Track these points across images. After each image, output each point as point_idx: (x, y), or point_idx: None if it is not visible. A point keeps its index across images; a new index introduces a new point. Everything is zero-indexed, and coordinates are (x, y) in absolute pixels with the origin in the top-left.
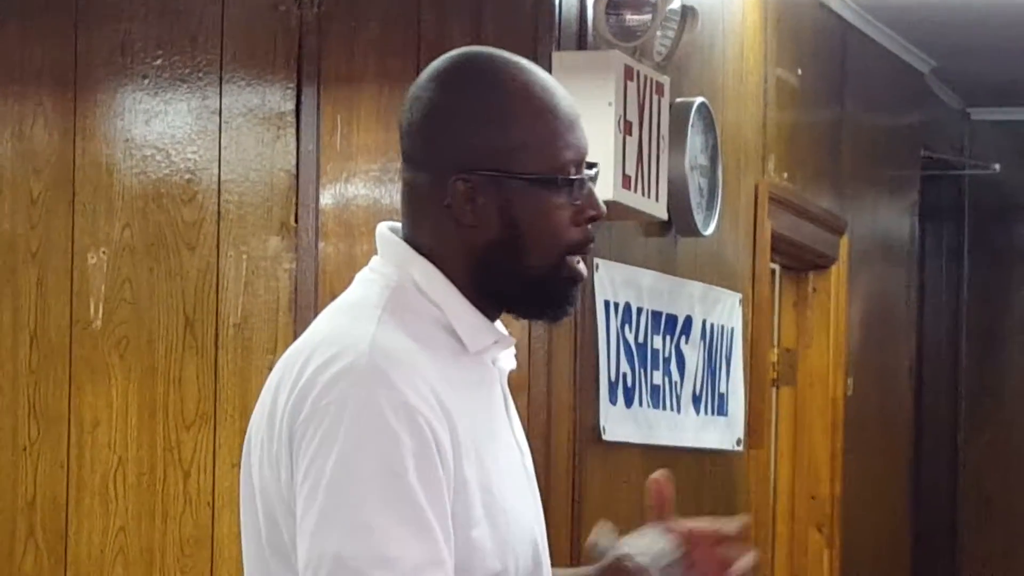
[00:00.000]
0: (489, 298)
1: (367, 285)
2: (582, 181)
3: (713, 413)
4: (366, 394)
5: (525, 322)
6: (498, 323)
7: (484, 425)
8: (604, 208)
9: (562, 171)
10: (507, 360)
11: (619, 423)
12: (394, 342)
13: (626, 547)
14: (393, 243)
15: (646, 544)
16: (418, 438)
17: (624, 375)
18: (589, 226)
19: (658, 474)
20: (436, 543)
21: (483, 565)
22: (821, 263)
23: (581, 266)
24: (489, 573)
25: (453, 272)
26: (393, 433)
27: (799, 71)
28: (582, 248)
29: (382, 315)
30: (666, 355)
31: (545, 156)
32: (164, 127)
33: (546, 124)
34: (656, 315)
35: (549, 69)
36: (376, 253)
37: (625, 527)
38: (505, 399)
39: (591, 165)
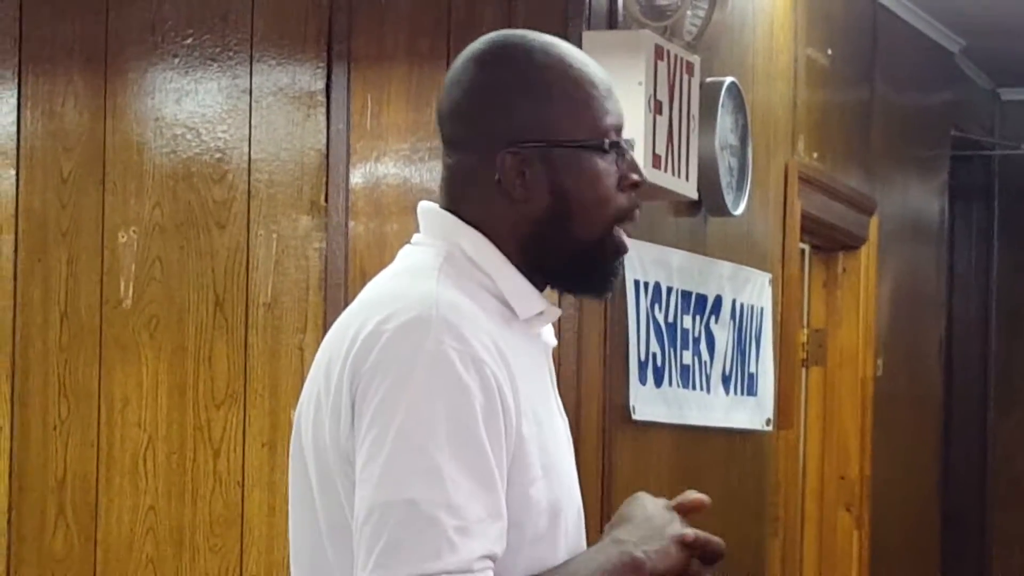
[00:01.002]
0: (537, 271)
1: (417, 253)
2: (624, 147)
3: (743, 393)
4: (436, 345)
5: (554, 303)
6: (546, 296)
7: (536, 390)
8: (646, 175)
9: (605, 137)
10: (549, 335)
11: (649, 403)
12: (458, 298)
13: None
14: (440, 215)
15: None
16: (486, 391)
17: (654, 355)
18: (633, 194)
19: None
20: (499, 497)
21: (535, 521)
22: (851, 243)
23: (625, 239)
24: (539, 530)
25: (501, 244)
26: (464, 385)
27: (829, 51)
28: (629, 215)
29: (439, 275)
30: (696, 335)
31: (587, 123)
32: (194, 106)
33: (585, 93)
34: (686, 295)
35: (579, 48)
36: (417, 231)
37: None
38: (551, 372)
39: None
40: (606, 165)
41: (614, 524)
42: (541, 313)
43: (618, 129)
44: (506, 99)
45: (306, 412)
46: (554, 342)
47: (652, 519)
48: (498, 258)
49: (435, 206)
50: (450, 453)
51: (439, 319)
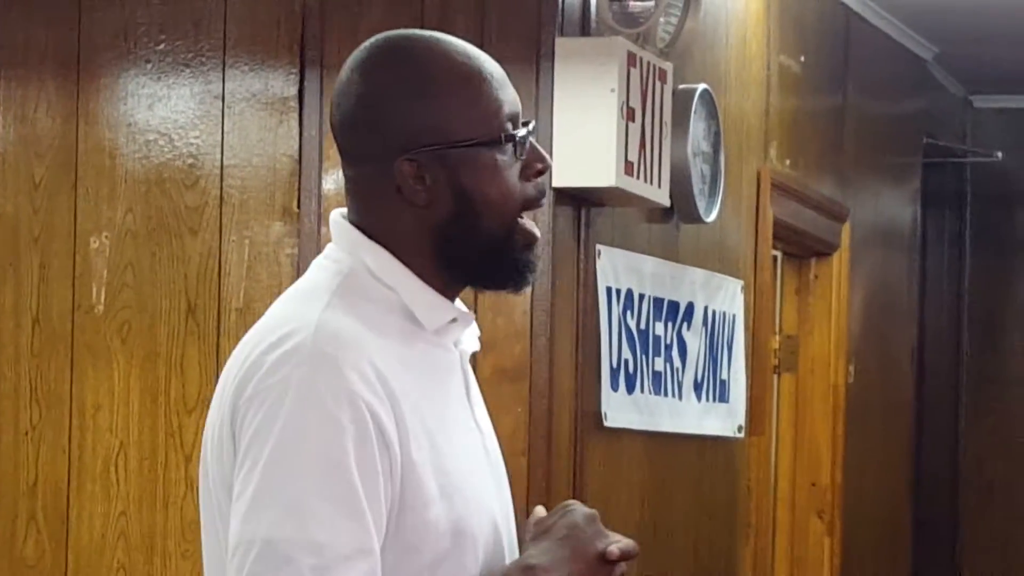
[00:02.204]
0: (451, 273)
1: (319, 271)
2: (524, 137)
3: (714, 400)
4: (309, 378)
5: (527, 310)
6: (458, 302)
7: (438, 408)
8: (550, 159)
9: (501, 130)
10: (470, 342)
11: (621, 409)
12: (341, 324)
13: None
14: (345, 229)
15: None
16: (358, 424)
17: (626, 361)
18: (540, 180)
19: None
20: (367, 531)
21: (435, 544)
22: (823, 250)
23: (533, 227)
24: (440, 552)
25: (410, 255)
26: (333, 419)
27: (802, 58)
28: (536, 203)
29: (331, 299)
30: (668, 342)
31: (480, 119)
32: (167, 112)
33: (475, 87)
34: (658, 301)
35: (552, 55)
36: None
37: (626, 512)
38: (467, 381)
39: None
40: (505, 158)
41: (534, 537)
42: (455, 321)
43: (513, 118)
44: (394, 106)
45: (208, 438)
46: (475, 347)
47: (575, 537)
48: (401, 271)
49: (342, 220)
50: (315, 489)
51: (314, 350)
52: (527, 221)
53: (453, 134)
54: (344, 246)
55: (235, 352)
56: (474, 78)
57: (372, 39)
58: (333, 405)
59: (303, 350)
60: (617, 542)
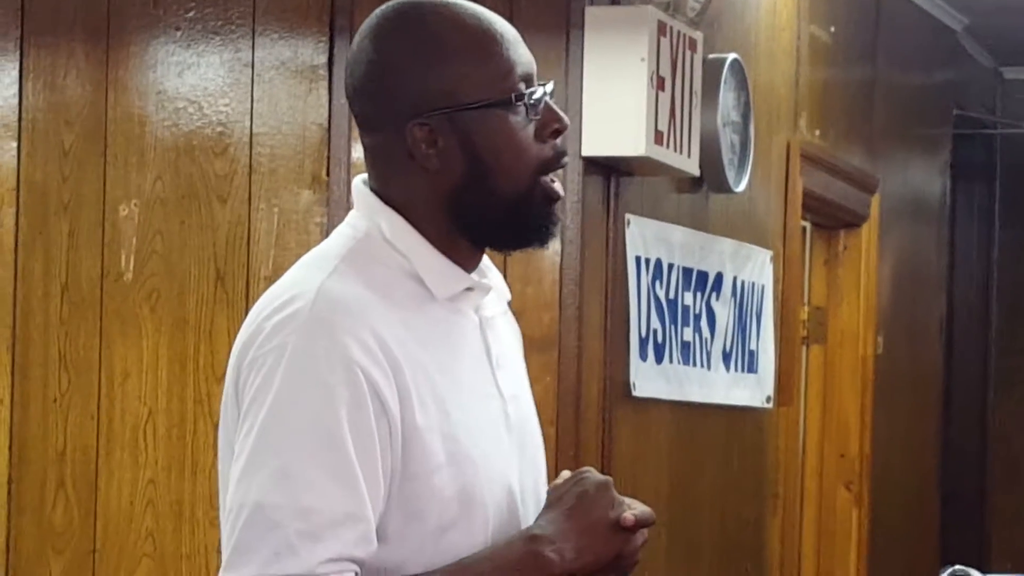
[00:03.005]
0: (469, 238)
1: (336, 237)
2: (537, 97)
3: (743, 370)
4: (304, 343)
5: (555, 279)
6: (483, 267)
7: (450, 374)
8: (567, 119)
9: (512, 90)
10: (493, 307)
11: (649, 379)
12: (344, 291)
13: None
14: (364, 194)
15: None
16: (353, 390)
17: (655, 331)
18: (558, 141)
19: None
20: (359, 497)
21: (441, 511)
22: (852, 221)
23: (556, 185)
24: (446, 519)
25: (427, 222)
26: (327, 384)
27: (832, 28)
28: (554, 164)
29: (338, 265)
30: (697, 312)
31: (491, 80)
32: (196, 79)
33: (485, 48)
34: (687, 271)
35: (582, 24)
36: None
37: (654, 482)
38: (487, 346)
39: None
40: (518, 119)
41: (545, 506)
42: (471, 289)
43: (527, 78)
44: (405, 73)
45: (222, 402)
46: (499, 311)
47: (584, 507)
48: (414, 238)
49: (362, 186)
50: (306, 454)
51: (311, 317)
52: (549, 181)
53: (463, 96)
54: (362, 211)
55: (250, 313)
56: (484, 39)
57: (383, 6)
58: (327, 371)
59: (300, 316)
60: (632, 509)
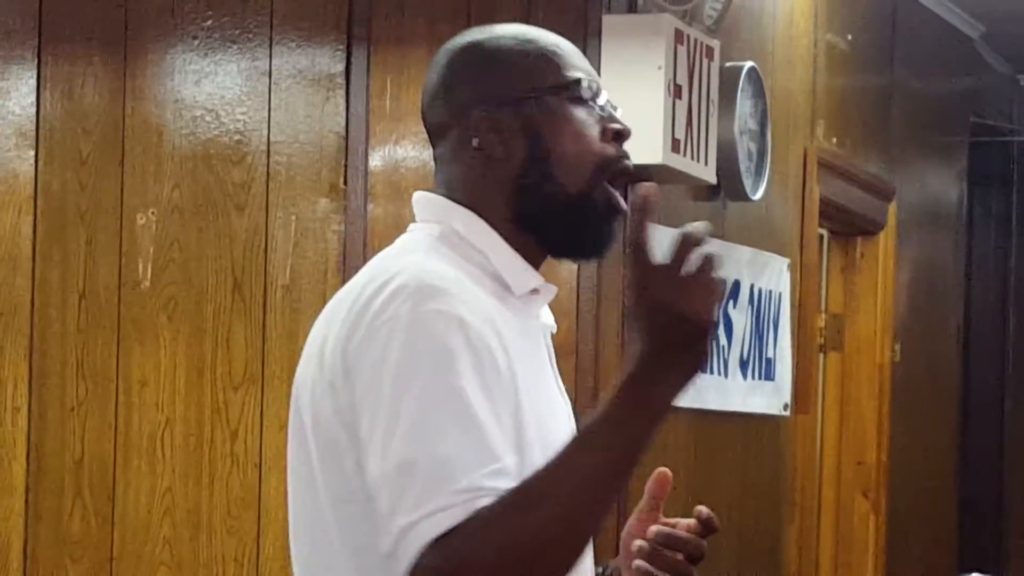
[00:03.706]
0: (532, 237)
1: (409, 237)
2: (597, 91)
3: (760, 378)
4: (417, 310)
5: (573, 287)
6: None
7: (533, 367)
8: (629, 126)
9: (573, 86)
10: (547, 318)
11: None
12: (445, 269)
13: None
14: (431, 199)
15: None
16: (472, 349)
17: None
18: (621, 145)
19: (664, 471)
20: (494, 436)
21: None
22: (869, 229)
23: (618, 197)
24: None
25: (493, 216)
26: (445, 346)
27: (849, 36)
28: (616, 166)
29: (429, 251)
30: (714, 319)
31: (554, 73)
32: (214, 88)
33: (550, 51)
34: None
35: (599, 32)
36: (410, 220)
37: (672, 492)
38: (550, 354)
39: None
40: (581, 113)
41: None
42: (536, 291)
43: (591, 84)
44: (473, 73)
45: (304, 390)
46: (553, 326)
47: (650, 298)
48: (490, 234)
49: (428, 193)
50: (436, 412)
51: (422, 284)
52: (613, 190)
53: (528, 86)
54: (430, 216)
55: (330, 306)
56: (549, 47)
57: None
58: (443, 332)
59: (411, 285)
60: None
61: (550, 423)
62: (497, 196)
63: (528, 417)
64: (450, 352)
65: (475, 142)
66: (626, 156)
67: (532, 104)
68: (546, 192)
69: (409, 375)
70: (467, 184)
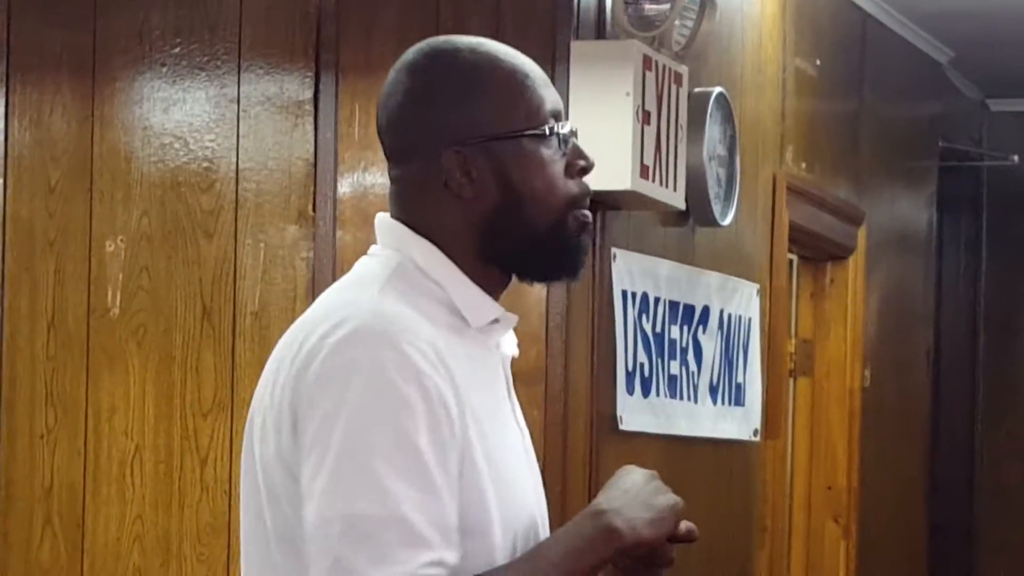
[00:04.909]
0: (497, 269)
1: (365, 266)
2: (567, 134)
3: (730, 403)
4: (373, 357)
5: (542, 312)
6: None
7: (486, 401)
8: (593, 159)
9: (545, 124)
10: (509, 345)
11: (636, 413)
12: (396, 307)
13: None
14: (391, 226)
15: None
16: (427, 401)
17: (641, 365)
18: (584, 179)
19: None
20: (443, 507)
21: (488, 530)
22: (839, 254)
23: (586, 216)
24: (495, 540)
25: (455, 248)
26: (402, 396)
27: (817, 61)
28: (581, 201)
29: (384, 286)
30: (683, 345)
31: (524, 112)
32: (182, 115)
33: (519, 83)
34: (674, 305)
35: (567, 58)
36: (375, 243)
37: None
38: (508, 383)
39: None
40: (550, 152)
41: (602, 490)
42: (497, 321)
43: (556, 115)
44: (440, 101)
45: (256, 424)
46: (514, 352)
47: (641, 487)
48: (448, 267)
49: (389, 219)
50: (393, 466)
51: (375, 331)
52: (580, 212)
53: (498, 127)
54: (391, 243)
55: (285, 340)
56: (517, 75)
57: (418, 44)
58: (400, 382)
59: (364, 331)
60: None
61: (503, 459)
62: (461, 232)
63: (479, 459)
64: (408, 406)
65: (443, 180)
66: (588, 191)
67: (504, 145)
68: (515, 233)
69: (364, 425)
70: (430, 217)
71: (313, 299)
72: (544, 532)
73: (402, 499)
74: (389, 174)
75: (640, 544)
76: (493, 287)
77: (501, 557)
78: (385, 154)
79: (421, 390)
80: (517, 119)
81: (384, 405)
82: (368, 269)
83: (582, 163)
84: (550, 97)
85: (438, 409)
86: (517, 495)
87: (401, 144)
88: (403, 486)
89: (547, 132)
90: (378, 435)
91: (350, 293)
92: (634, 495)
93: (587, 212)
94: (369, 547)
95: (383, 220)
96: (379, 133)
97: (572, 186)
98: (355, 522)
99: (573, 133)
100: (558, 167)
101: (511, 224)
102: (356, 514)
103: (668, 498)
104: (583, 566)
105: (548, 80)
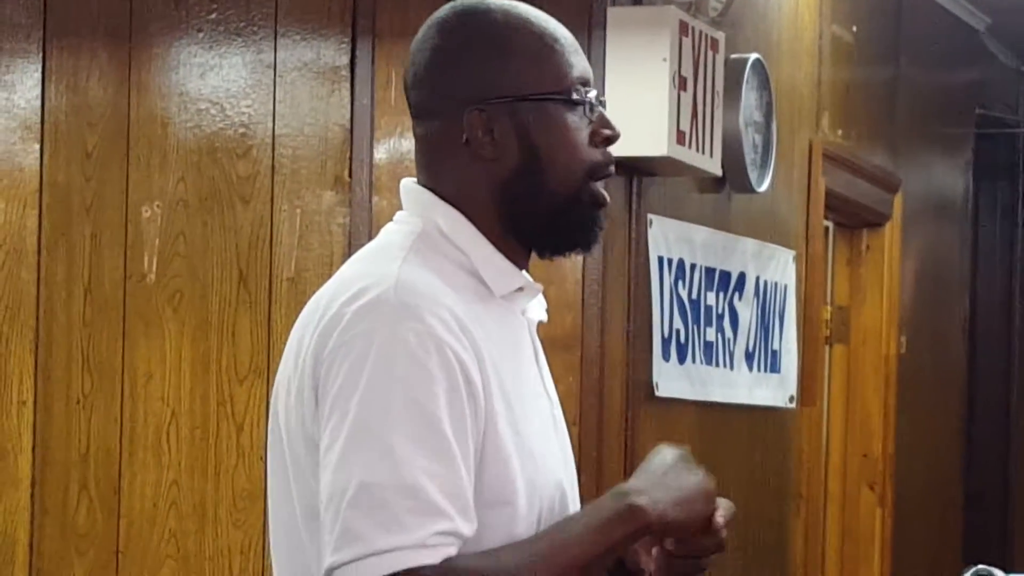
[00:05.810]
0: (518, 238)
1: (390, 234)
2: (593, 102)
3: (766, 370)
4: (394, 327)
5: (578, 279)
6: (525, 273)
7: (511, 368)
8: (619, 130)
9: (571, 89)
10: (536, 311)
11: (672, 379)
12: (420, 277)
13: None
14: (416, 192)
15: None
16: (446, 371)
17: (677, 331)
18: (607, 148)
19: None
20: (460, 477)
21: (513, 500)
22: (875, 221)
23: (603, 191)
24: (520, 511)
25: (479, 215)
26: (421, 366)
27: (854, 28)
28: (603, 170)
29: (407, 255)
30: (719, 312)
31: (551, 76)
32: (219, 81)
33: (548, 47)
34: (710, 271)
35: (604, 24)
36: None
37: None
38: (535, 349)
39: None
40: (575, 118)
41: (635, 472)
42: (521, 289)
43: (585, 83)
44: (468, 60)
45: (281, 394)
46: (542, 317)
47: (669, 466)
48: (473, 234)
49: (414, 184)
50: (409, 435)
51: (397, 301)
52: (598, 186)
53: (524, 88)
54: (416, 209)
55: (308, 309)
56: (547, 39)
57: (451, 3)
58: (421, 353)
59: (385, 300)
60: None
61: (528, 427)
62: (483, 196)
63: (503, 428)
64: (427, 375)
65: (464, 138)
66: (612, 160)
67: (528, 107)
68: (534, 198)
69: (381, 395)
70: (453, 180)
71: None
72: (572, 502)
73: (418, 469)
74: (414, 132)
75: (667, 524)
76: (517, 258)
77: (524, 527)
78: (411, 111)
79: (442, 360)
80: (544, 82)
81: (403, 375)
82: (392, 237)
83: (607, 132)
84: (579, 64)
85: (459, 379)
86: (543, 464)
87: (426, 101)
88: (419, 456)
89: (573, 98)
90: (396, 405)
91: (373, 261)
92: (661, 475)
93: (604, 192)
94: (381, 515)
95: (408, 185)
96: (405, 89)
97: (596, 154)
98: (369, 490)
99: (600, 102)
100: (582, 134)
101: (530, 188)
102: (371, 482)
103: (696, 478)
104: (604, 544)
105: (579, 47)
